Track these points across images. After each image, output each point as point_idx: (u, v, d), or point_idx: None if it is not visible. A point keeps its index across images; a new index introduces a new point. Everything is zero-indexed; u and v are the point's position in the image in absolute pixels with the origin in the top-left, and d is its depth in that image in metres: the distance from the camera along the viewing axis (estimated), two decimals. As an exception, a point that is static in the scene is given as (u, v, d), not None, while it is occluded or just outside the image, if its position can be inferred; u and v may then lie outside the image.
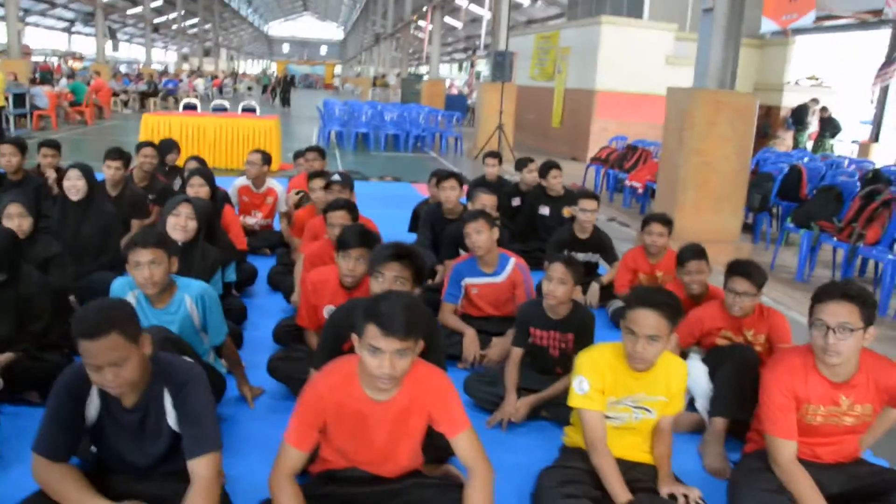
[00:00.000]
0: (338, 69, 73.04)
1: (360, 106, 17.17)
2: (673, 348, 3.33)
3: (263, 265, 5.50)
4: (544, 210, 6.42)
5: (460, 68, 54.42)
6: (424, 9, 27.03)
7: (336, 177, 4.91)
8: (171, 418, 2.34)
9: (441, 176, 5.45)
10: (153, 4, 39.56)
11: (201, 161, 5.96)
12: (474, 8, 35.13)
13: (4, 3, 21.70)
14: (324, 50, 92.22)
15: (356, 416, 2.37)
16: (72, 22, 46.92)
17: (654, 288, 2.89)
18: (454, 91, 29.86)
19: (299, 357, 3.58)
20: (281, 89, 28.32)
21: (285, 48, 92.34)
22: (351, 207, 4.16)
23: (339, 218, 4.08)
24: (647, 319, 2.58)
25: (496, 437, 3.31)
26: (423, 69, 42.81)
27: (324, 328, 3.09)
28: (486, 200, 4.88)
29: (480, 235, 4.09)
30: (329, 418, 2.37)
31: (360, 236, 3.42)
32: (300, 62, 74.27)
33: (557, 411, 3.46)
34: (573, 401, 2.78)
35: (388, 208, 7.11)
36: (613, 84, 14.99)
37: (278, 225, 6.46)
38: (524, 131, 17.71)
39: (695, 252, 4.00)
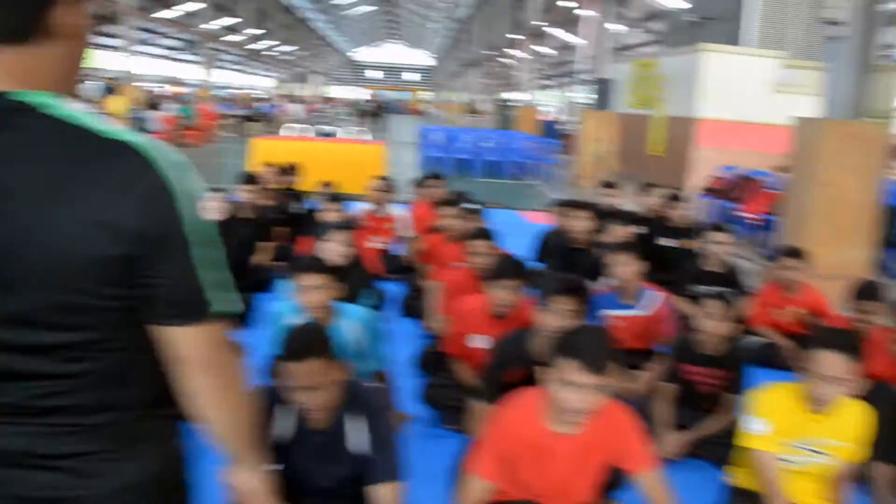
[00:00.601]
0: (427, 95, 74.09)
1: (459, 132, 17.35)
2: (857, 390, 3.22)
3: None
4: (666, 241, 6.31)
5: (549, 95, 54.43)
6: (517, 38, 27.23)
7: (470, 205, 4.96)
8: (357, 443, 2.39)
9: (571, 205, 5.44)
10: (251, 32, 41.04)
11: (331, 186, 6.12)
12: (563, 35, 35.13)
13: (124, 35, 22.99)
14: (414, 76, 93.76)
15: (538, 449, 2.37)
16: (173, 49, 49.14)
17: (838, 328, 2.81)
18: (545, 117, 29.88)
19: (453, 385, 3.61)
20: (377, 115, 28.94)
21: (373, 74, 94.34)
22: (493, 236, 4.19)
23: (482, 247, 4.11)
24: (831, 361, 2.50)
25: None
26: (512, 95, 42.98)
27: (487, 358, 3.10)
28: (621, 232, 4.84)
29: (626, 268, 4.06)
30: (511, 450, 2.38)
31: (515, 267, 3.45)
32: (388, 88, 75.71)
33: (713, 450, 3.39)
34: (746, 441, 2.71)
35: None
36: (715, 112, 14.67)
37: (397, 249, 6.55)
38: (621, 159, 17.50)
39: (872, 291, 3.86)
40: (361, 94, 69.37)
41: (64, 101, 1.08)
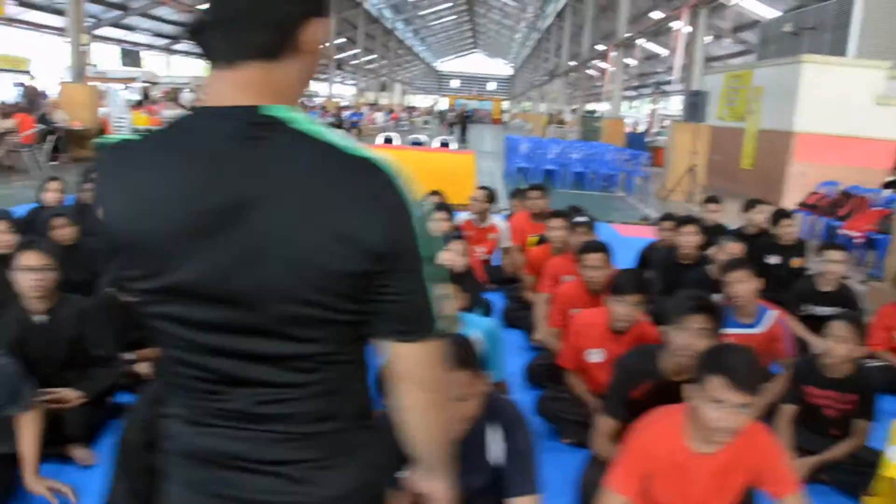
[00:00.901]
0: (505, 105, 74.09)
1: (546, 143, 17.30)
2: None
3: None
4: (772, 259, 6.14)
5: (630, 105, 53.78)
6: (603, 48, 26.98)
7: (581, 218, 4.95)
8: (493, 454, 2.42)
9: (680, 220, 5.37)
10: (336, 42, 41.91)
11: (440, 195, 6.20)
12: (652, 46, 34.67)
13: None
14: (491, 86, 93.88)
15: (676, 468, 2.36)
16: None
17: None
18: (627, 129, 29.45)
19: (567, 398, 3.62)
20: (460, 124, 29.12)
21: (454, 83, 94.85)
22: (607, 250, 4.18)
23: (597, 260, 4.10)
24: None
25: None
26: (594, 106, 42.59)
27: (613, 375, 3.10)
28: (735, 248, 4.75)
29: (744, 285, 3.98)
30: (650, 467, 2.38)
31: (638, 282, 3.44)
32: (468, 97, 75.95)
33: (839, 476, 3.30)
34: (890, 471, 2.63)
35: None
36: (813, 125, 14.22)
37: (496, 260, 6.58)
38: (710, 172, 17.17)
39: None
40: (442, 103, 69.98)
41: (305, 115, 1.11)
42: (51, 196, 5.70)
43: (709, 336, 2.80)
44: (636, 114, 47.02)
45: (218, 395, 1.16)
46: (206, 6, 1.09)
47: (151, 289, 1.13)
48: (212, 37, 1.10)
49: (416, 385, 1.21)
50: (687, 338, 2.79)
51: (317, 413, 1.17)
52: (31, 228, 4.83)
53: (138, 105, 19.12)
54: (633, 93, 49.13)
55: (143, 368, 3.93)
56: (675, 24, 18.73)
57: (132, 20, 28.96)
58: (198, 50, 1.12)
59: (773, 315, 4.12)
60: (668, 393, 2.76)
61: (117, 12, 26.39)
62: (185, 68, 39.68)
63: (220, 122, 1.08)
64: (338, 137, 1.10)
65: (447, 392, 1.27)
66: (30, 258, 3.24)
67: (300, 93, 1.18)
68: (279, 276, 1.06)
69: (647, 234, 9.07)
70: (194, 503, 1.21)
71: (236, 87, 1.09)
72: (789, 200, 12.55)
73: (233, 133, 1.07)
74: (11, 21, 24.62)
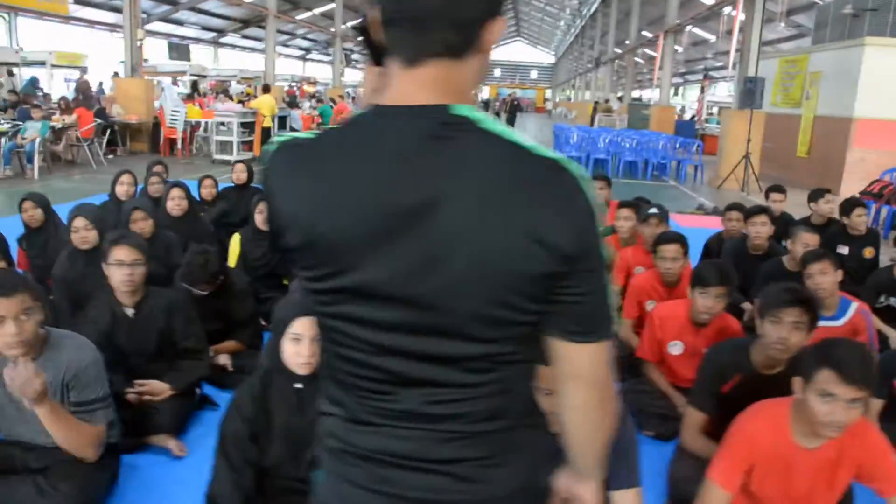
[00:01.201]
0: (548, 93, 73.47)
1: (596, 132, 17.12)
2: None
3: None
4: (843, 250, 6.00)
5: (676, 92, 52.98)
6: (651, 35, 26.56)
7: (653, 209, 4.89)
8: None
9: (750, 211, 5.28)
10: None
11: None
12: (702, 32, 34.05)
13: (265, 37, 24.13)
14: (533, 74, 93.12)
15: (780, 461, 2.33)
16: (307, 50, 50.85)
17: None
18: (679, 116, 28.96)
19: (648, 390, 3.60)
20: (508, 113, 28.97)
21: (496, 72, 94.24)
22: (684, 241, 4.13)
23: (673, 252, 4.06)
24: None
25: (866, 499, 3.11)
26: (639, 93, 42.04)
27: (703, 367, 3.06)
28: (810, 240, 4.64)
29: (826, 277, 3.90)
30: (754, 461, 2.35)
31: (722, 274, 3.39)
32: (511, 85, 75.47)
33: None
34: None
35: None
36: (875, 111, 13.82)
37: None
38: (764, 160, 16.85)
39: None
40: (483, 91, 69.67)
41: (488, 115, 1.09)
42: (123, 189, 5.80)
43: (805, 329, 2.75)
44: (682, 100, 46.26)
45: (387, 394, 1.15)
46: (385, 3, 1.07)
47: (331, 288, 1.11)
48: (394, 35, 1.08)
49: (585, 384, 1.19)
50: (782, 331, 2.74)
51: (487, 412, 1.15)
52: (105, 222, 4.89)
53: (189, 98, 19.42)
54: (680, 80, 48.40)
55: (222, 360, 4.00)
56: (727, 10, 18.35)
57: (181, 14, 29.38)
58: (362, 48, 1.11)
59: (854, 307, 4.04)
60: (759, 387, 2.72)
61: (167, 7, 26.80)
62: (232, 61, 40.25)
63: (409, 121, 1.06)
64: (523, 138, 1.08)
65: (613, 394, 1.24)
66: (121, 253, 3.32)
67: (474, 91, 1.15)
68: (467, 277, 1.04)
69: (704, 224, 8.95)
70: (354, 499, 1.20)
71: (420, 85, 1.07)
72: (848, 188, 12.25)
73: (423, 132, 1.05)
74: (69, 19, 25.16)
